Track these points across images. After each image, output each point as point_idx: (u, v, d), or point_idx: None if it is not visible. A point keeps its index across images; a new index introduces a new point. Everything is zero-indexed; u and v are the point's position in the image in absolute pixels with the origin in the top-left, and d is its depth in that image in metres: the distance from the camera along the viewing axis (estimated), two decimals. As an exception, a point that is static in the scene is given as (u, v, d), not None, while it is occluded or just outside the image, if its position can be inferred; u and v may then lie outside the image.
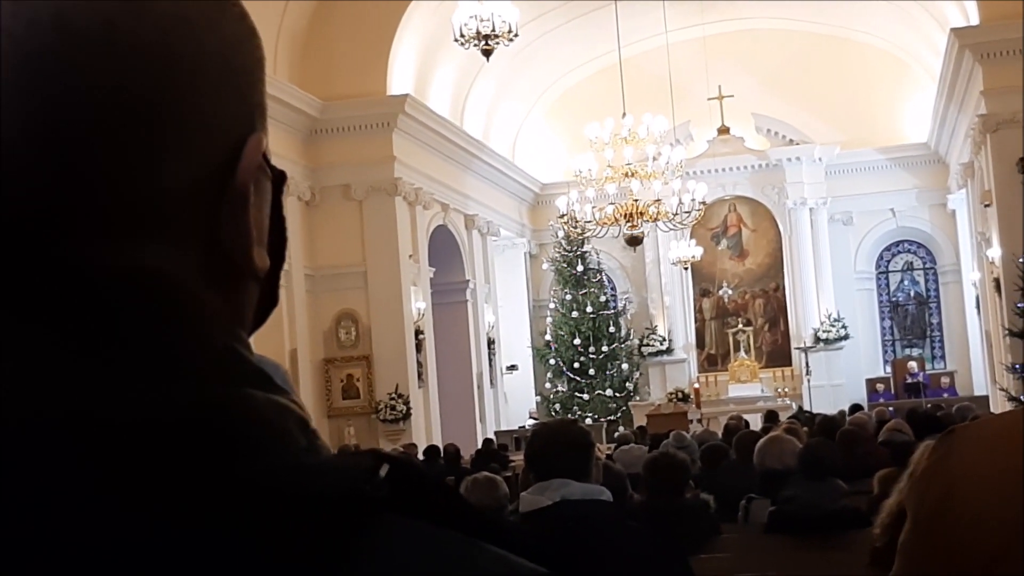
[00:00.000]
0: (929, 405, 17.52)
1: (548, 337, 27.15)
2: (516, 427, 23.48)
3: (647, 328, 27.55)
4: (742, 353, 26.67)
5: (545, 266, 27.87)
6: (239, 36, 0.70)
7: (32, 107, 0.62)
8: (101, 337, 0.61)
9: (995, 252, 19.40)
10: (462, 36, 14.13)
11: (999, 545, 0.71)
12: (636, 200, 18.93)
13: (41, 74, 0.62)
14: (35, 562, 0.55)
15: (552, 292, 27.62)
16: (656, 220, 19.22)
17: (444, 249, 23.20)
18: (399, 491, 0.61)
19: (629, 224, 19.15)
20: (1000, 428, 0.80)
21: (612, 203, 19.01)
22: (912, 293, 28.66)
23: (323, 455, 0.65)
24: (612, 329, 26.95)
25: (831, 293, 26.93)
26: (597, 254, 26.84)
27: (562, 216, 19.84)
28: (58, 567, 0.55)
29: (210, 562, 0.56)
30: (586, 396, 26.49)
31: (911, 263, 28.68)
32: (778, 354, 27.35)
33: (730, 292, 27.34)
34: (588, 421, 24.06)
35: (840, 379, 26.11)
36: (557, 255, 27.00)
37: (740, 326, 26.92)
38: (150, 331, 0.62)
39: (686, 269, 25.49)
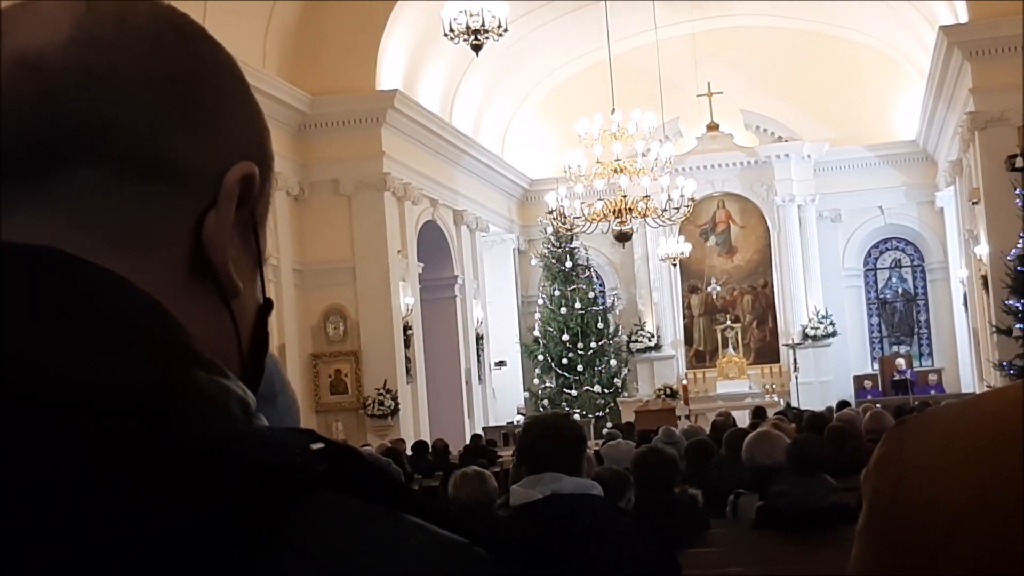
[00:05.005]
0: (917, 403, 17.56)
1: (536, 333, 27.13)
2: (504, 423, 23.46)
3: (635, 324, 27.57)
4: (730, 349, 26.69)
5: (534, 262, 27.85)
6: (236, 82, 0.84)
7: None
8: (53, 319, 0.65)
9: (983, 249, 19.45)
10: (451, 31, 14.12)
11: (947, 530, 0.76)
12: (625, 196, 18.95)
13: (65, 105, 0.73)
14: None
15: (541, 288, 27.60)
16: (645, 216, 19.24)
17: (433, 244, 23.17)
18: (336, 469, 0.64)
19: (618, 220, 19.16)
20: (949, 418, 0.84)
21: (601, 199, 19.03)
22: (900, 290, 28.72)
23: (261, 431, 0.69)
24: (600, 325, 26.93)
25: (819, 290, 26.98)
26: (586, 250, 26.82)
27: (551, 212, 19.84)
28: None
29: (146, 521, 0.58)
30: (574, 392, 26.47)
31: (899, 260, 28.74)
32: (766, 351, 27.39)
33: (718, 289, 27.37)
34: (576, 417, 24.04)
35: (828, 376, 26.16)
36: (546, 251, 26.97)
37: (728, 323, 26.93)
38: (102, 315, 0.66)
39: (675, 265, 25.51)
